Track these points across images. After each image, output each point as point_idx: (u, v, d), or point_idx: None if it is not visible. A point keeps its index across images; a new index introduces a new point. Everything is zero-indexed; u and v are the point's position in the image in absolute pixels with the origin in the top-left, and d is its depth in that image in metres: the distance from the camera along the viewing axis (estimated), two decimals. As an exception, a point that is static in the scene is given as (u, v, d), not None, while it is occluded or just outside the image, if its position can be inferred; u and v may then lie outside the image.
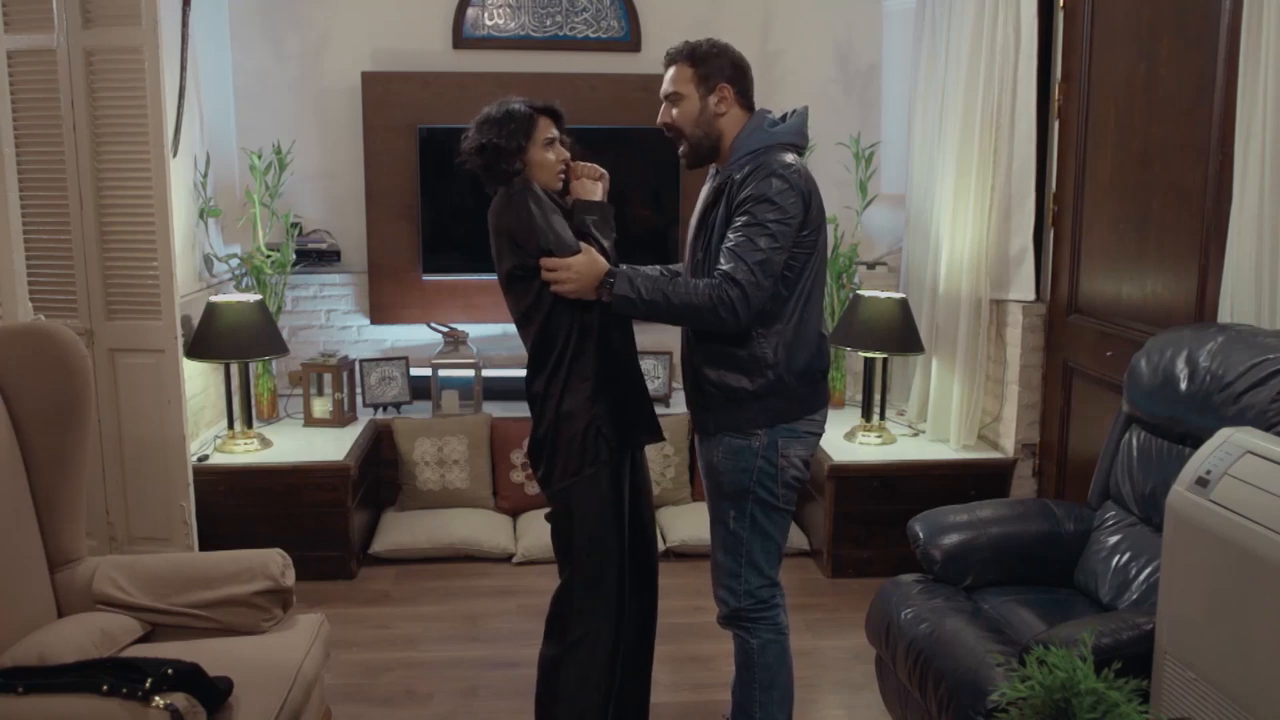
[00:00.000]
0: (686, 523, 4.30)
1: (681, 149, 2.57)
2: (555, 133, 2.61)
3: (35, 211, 3.31)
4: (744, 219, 2.38)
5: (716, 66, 2.51)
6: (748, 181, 2.41)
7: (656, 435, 2.69)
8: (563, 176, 2.61)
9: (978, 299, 4.07)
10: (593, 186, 2.62)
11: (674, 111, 2.54)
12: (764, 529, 2.55)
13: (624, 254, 2.63)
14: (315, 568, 3.91)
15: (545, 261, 2.45)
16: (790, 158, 2.45)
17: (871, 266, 4.89)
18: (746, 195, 2.39)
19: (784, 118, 2.55)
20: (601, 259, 2.47)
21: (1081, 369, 3.73)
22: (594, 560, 2.59)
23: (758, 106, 2.58)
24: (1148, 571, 2.60)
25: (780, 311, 2.45)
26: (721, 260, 2.39)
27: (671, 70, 2.55)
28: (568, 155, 2.62)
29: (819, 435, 2.60)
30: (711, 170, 2.63)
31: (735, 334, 2.45)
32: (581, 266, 2.44)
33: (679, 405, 4.76)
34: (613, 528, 2.58)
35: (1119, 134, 3.47)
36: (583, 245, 2.48)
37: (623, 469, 2.60)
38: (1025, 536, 2.90)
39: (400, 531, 4.26)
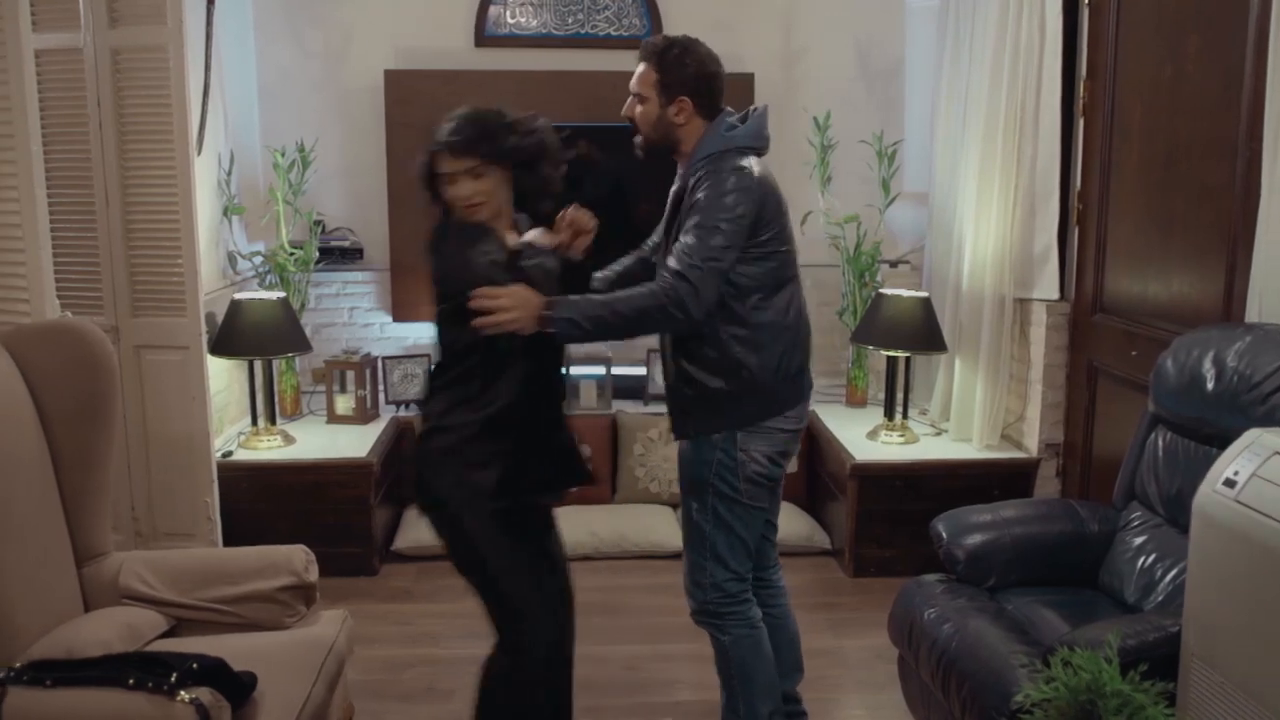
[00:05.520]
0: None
1: (637, 140, 2.61)
2: (452, 168, 2.36)
3: (62, 209, 3.34)
4: (694, 219, 2.41)
5: (679, 77, 2.51)
6: (698, 186, 2.44)
7: (554, 494, 2.59)
8: (475, 212, 2.38)
9: (1001, 297, 4.05)
10: (549, 237, 2.49)
11: (636, 109, 2.57)
12: (727, 523, 2.56)
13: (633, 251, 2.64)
14: (338, 564, 3.92)
15: (482, 291, 2.25)
16: (746, 161, 2.47)
17: (894, 265, 4.87)
18: (696, 199, 2.43)
19: (744, 118, 2.56)
20: (536, 293, 2.32)
21: (1106, 368, 3.70)
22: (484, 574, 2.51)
23: (760, 103, 2.62)
24: (1174, 573, 2.58)
25: (746, 313, 2.48)
26: (670, 260, 2.41)
27: (640, 68, 2.56)
28: (477, 188, 2.35)
29: (793, 432, 2.60)
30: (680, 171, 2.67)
31: (696, 333, 2.47)
32: (521, 294, 2.28)
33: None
34: (495, 542, 2.44)
35: (1145, 131, 3.45)
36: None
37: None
38: (1049, 537, 2.88)
39: (422, 529, 4.24)
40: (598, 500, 4.53)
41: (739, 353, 2.48)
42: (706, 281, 2.37)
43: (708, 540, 2.58)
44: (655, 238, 2.78)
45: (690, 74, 2.51)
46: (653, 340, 4.75)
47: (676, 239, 2.47)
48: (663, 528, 4.32)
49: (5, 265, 2.80)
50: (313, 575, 2.65)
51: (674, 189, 2.59)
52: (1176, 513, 2.67)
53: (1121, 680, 1.81)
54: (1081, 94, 3.81)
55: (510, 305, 2.26)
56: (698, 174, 2.46)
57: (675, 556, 4.20)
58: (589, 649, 3.49)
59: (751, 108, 2.59)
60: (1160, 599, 2.59)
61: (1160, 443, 2.78)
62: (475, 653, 3.45)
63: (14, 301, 2.81)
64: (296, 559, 2.63)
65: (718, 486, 2.54)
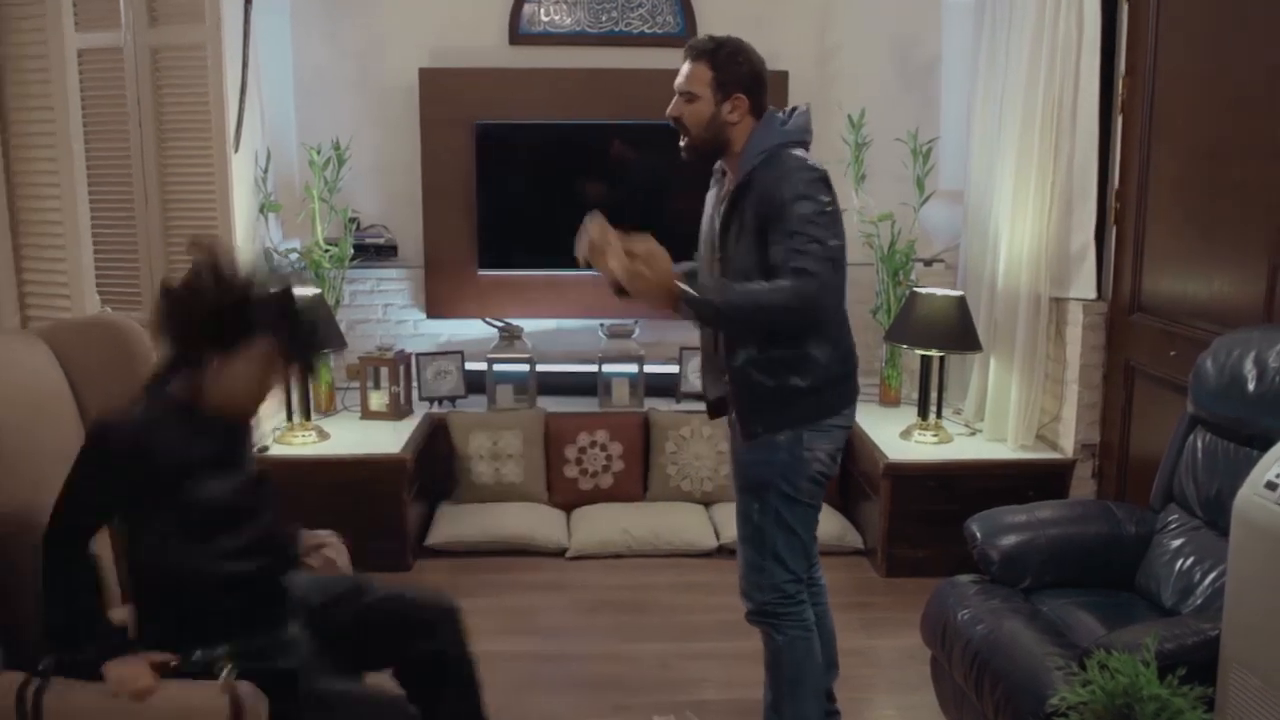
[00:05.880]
0: (739, 520, 4.30)
1: (684, 143, 2.56)
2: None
3: (102, 206, 3.38)
4: (792, 221, 2.35)
5: (735, 75, 2.48)
6: (773, 186, 2.39)
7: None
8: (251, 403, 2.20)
9: (1037, 297, 4.01)
10: None
11: (685, 108, 2.52)
12: (788, 523, 2.55)
13: (667, 248, 2.56)
14: (372, 559, 3.90)
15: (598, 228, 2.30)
16: (800, 153, 2.47)
17: (929, 263, 4.83)
18: (781, 199, 2.37)
19: (789, 114, 2.54)
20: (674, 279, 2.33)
21: (1144, 369, 3.66)
22: None
23: (797, 102, 2.61)
24: (1213, 576, 2.54)
25: None
26: (790, 261, 2.35)
27: (690, 67, 2.51)
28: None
29: (847, 429, 2.60)
30: (717, 170, 2.63)
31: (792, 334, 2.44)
32: (660, 261, 2.32)
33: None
34: None
35: (1185, 129, 3.40)
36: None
37: None
38: (1085, 538, 2.86)
39: (455, 524, 4.29)
40: (629, 498, 4.54)
41: (813, 348, 2.46)
42: (832, 273, 2.36)
43: (768, 541, 2.56)
44: (703, 249, 2.70)
45: (745, 72, 2.49)
46: (685, 338, 4.76)
47: (736, 241, 2.44)
48: (694, 526, 4.31)
49: (46, 261, 2.85)
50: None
51: (724, 188, 2.56)
52: (1215, 515, 2.63)
53: (1159, 684, 1.79)
54: (1120, 91, 3.77)
55: (644, 270, 2.30)
56: (761, 172, 2.42)
57: (706, 555, 4.21)
58: (618, 646, 3.51)
59: (792, 107, 2.57)
60: (1199, 602, 2.55)
61: (1199, 444, 2.74)
62: (508, 648, 3.48)
63: (55, 297, 2.85)
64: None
65: (780, 487, 2.51)
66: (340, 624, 2.30)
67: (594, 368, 4.73)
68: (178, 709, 2.00)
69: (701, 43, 2.53)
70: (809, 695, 2.63)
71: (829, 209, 2.39)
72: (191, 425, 2.12)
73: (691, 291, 2.34)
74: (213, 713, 1.97)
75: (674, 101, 2.54)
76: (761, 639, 2.66)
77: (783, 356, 2.46)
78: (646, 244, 2.34)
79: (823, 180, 2.41)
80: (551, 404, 4.71)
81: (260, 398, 2.20)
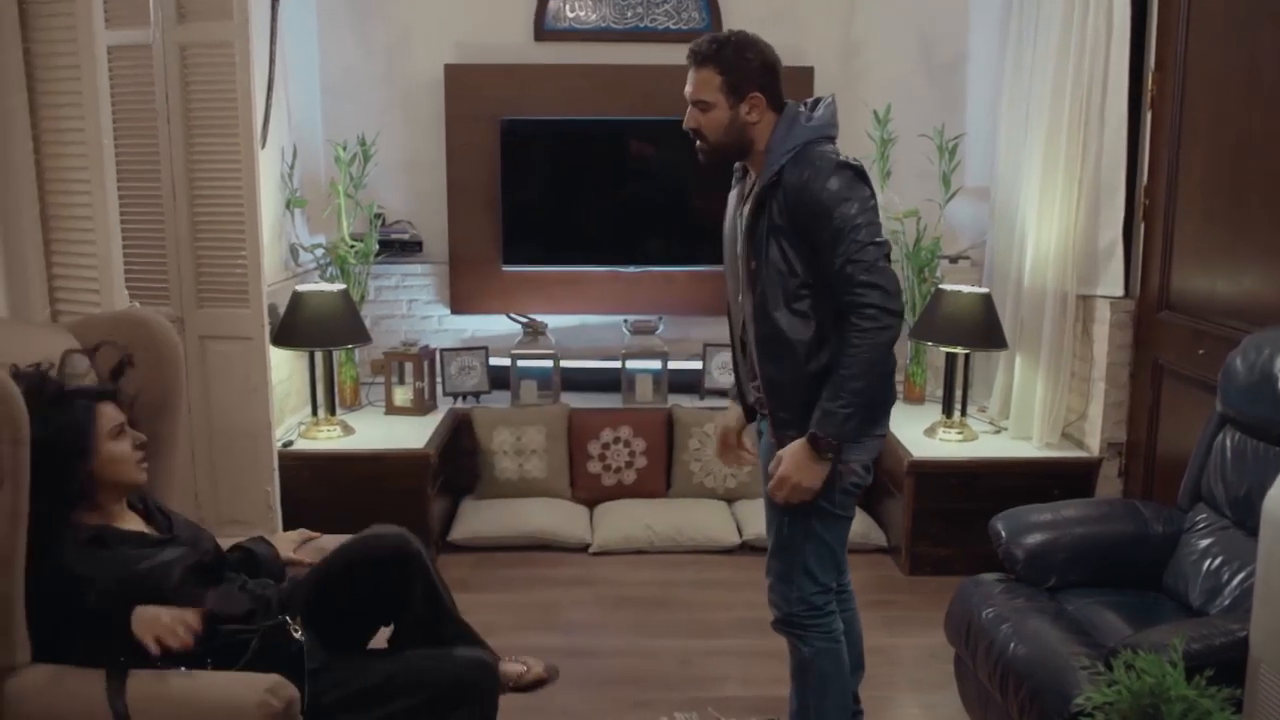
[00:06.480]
0: (763, 518, 4.28)
1: (702, 148, 2.44)
2: (123, 417, 2.26)
3: (131, 201, 3.39)
4: (832, 227, 2.28)
5: (746, 74, 2.34)
6: (808, 186, 2.30)
7: None
8: (144, 465, 2.29)
9: (1064, 294, 3.98)
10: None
11: (700, 118, 2.39)
12: (819, 536, 2.49)
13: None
14: (395, 553, 3.96)
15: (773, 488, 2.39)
16: (830, 148, 2.37)
17: (954, 260, 4.81)
18: (821, 201, 2.29)
19: (812, 107, 2.42)
20: (803, 447, 2.36)
21: (1172, 367, 3.63)
22: None
23: (816, 95, 2.48)
24: (1241, 576, 2.52)
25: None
26: (842, 281, 2.29)
27: (697, 73, 2.37)
28: (143, 438, 2.30)
29: (883, 437, 2.52)
30: (738, 169, 2.55)
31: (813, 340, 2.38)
32: (791, 468, 2.36)
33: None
34: None
35: (1215, 125, 3.37)
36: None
37: None
38: (1111, 537, 2.84)
39: (478, 520, 4.31)
40: (652, 494, 4.54)
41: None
42: (887, 274, 2.28)
43: (799, 554, 2.50)
44: (726, 250, 2.61)
45: (756, 67, 2.36)
46: (709, 334, 4.76)
47: (768, 245, 2.36)
48: (717, 523, 4.31)
49: (76, 255, 2.87)
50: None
51: (747, 187, 2.48)
52: (1244, 515, 2.61)
53: (1186, 685, 1.77)
54: (1149, 87, 3.74)
55: (788, 484, 2.37)
56: (791, 173, 2.32)
57: (729, 552, 4.21)
58: (641, 642, 3.52)
59: (817, 98, 2.45)
60: (1226, 603, 2.53)
61: (1228, 443, 2.72)
62: (531, 643, 3.49)
63: (84, 291, 2.88)
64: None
65: (815, 501, 2.43)
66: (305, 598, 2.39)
67: (618, 364, 4.73)
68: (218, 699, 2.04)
69: (703, 46, 2.37)
70: (834, 705, 2.60)
71: (871, 204, 2.31)
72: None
73: (828, 437, 2.32)
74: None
75: (689, 113, 2.41)
76: (788, 647, 2.63)
77: (823, 368, 2.37)
78: (782, 470, 2.38)
79: (860, 176, 2.33)
80: (575, 400, 4.71)
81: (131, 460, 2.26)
